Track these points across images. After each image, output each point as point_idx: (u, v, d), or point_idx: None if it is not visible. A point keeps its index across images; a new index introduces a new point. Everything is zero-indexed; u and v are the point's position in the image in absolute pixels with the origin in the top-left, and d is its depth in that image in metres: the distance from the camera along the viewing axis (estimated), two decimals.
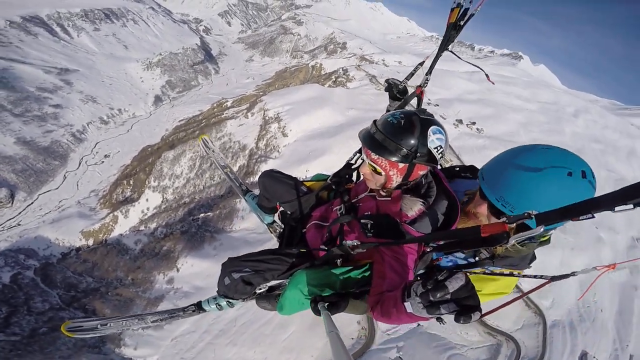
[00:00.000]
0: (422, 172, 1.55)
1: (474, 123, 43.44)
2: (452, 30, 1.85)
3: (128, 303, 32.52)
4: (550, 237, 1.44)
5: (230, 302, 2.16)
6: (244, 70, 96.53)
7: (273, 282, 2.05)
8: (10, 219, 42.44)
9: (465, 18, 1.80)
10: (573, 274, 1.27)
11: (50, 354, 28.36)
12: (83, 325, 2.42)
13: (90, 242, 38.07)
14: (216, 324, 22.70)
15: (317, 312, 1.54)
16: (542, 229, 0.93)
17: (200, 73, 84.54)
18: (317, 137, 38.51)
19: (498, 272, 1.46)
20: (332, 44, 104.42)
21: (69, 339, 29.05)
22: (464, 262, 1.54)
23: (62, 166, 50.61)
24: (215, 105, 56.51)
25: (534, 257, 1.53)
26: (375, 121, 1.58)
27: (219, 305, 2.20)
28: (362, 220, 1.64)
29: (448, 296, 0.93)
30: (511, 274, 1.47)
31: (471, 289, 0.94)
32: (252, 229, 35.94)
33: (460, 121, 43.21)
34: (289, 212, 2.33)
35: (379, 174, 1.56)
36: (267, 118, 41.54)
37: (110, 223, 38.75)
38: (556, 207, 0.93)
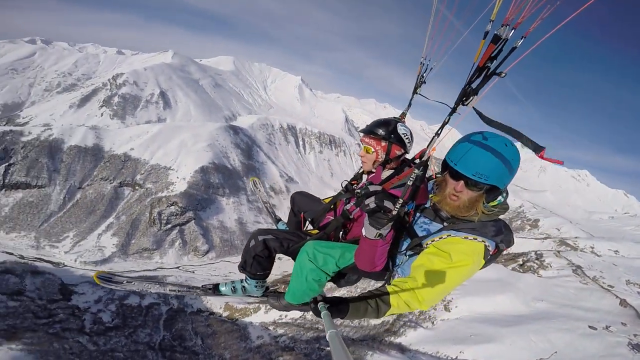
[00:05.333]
0: (397, 152, 2.39)
1: None
2: (420, 81, 2.52)
3: None
4: (504, 204, 1.71)
5: (245, 288, 2.60)
6: None
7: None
8: (193, 265, 54.11)
9: (427, 72, 2.45)
10: None
11: None
12: (113, 277, 2.65)
13: (226, 314, 42.89)
14: None
15: (317, 313, 1.66)
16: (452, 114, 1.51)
17: None
18: (486, 322, 29.86)
19: (463, 236, 1.66)
20: (519, 219, 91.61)
21: None
22: (436, 228, 1.77)
23: None
24: None
25: (500, 232, 1.69)
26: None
27: (234, 287, 2.64)
28: (357, 191, 2.21)
29: (373, 198, 1.57)
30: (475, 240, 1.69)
31: (388, 195, 1.59)
32: None
33: None
34: (309, 219, 2.87)
35: (370, 153, 2.39)
36: None
37: (251, 309, 42.85)
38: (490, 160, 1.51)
